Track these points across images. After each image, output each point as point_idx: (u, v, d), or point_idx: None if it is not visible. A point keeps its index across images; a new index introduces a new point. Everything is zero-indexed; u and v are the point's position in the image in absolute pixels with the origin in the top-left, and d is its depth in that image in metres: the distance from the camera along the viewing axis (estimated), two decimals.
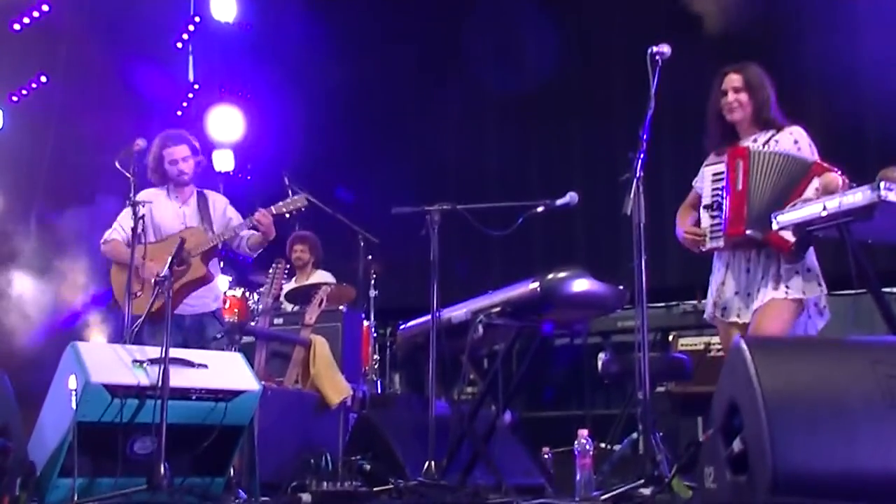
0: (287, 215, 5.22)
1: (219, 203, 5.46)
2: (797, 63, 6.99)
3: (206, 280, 5.20)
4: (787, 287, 4.07)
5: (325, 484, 4.16)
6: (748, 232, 4.12)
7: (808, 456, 2.81)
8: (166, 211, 5.34)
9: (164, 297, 4.13)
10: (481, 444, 4.52)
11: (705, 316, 4.37)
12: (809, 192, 4.03)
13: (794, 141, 4.22)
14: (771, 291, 4.08)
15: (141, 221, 4.55)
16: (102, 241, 5.36)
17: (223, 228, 5.30)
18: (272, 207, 5.16)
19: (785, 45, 7.13)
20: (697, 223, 4.36)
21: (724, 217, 4.19)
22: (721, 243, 4.22)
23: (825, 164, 4.11)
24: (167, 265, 4.22)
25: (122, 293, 5.10)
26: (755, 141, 4.28)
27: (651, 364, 3.90)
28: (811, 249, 4.15)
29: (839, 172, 4.07)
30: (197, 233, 5.22)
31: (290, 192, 6.44)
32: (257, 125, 9.15)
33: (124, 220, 5.24)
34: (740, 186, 4.15)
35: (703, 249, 4.28)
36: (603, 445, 5.53)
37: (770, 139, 4.26)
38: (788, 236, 4.02)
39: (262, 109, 9.19)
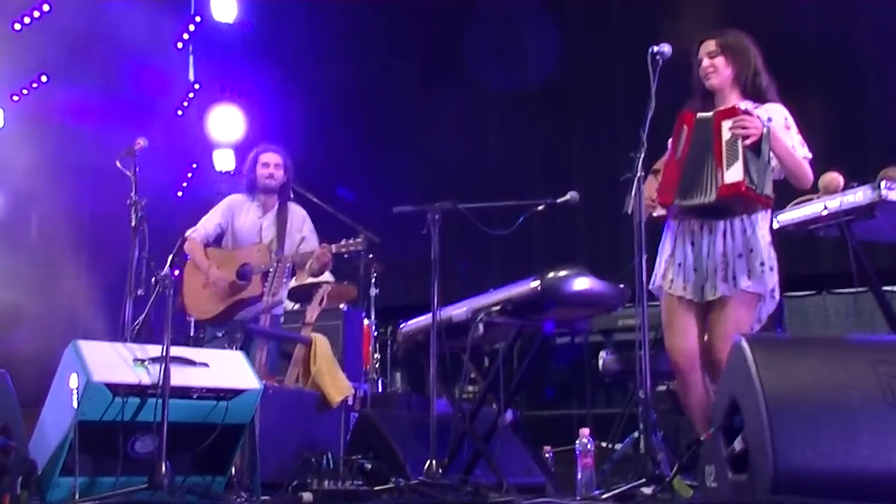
0: (345, 255, 5.26)
1: (296, 219, 5.51)
2: (798, 60, 6.98)
3: (259, 298, 5.27)
4: (734, 279, 3.90)
5: (325, 483, 4.16)
6: (676, 202, 3.97)
7: (809, 455, 2.81)
8: (246, 219, 5.50)
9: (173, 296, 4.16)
10: (482, 443, 4.52)
11: (650, 286, 4.08)
12: (725, 134, 3.82)
13: (769, 119, 3.94)
14: (721, 285, 3.92)
15: (144, 220, 4.55)
16: (185, 235, 5.47)
17: (291, 250, 5.39)
18: (333, 246, 5.21)
19: (785, 43, 7.12)
20: None
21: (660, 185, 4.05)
22: (662, 212, 4.09)
23: (729, 110, 3.92)
24: (168, 264, 4.26)
25: (191, 295, 5.35)
26: None
27: (652, 362, 3.89)
28: (767, 242, 3.97)
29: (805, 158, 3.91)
30: (263, 251, 5.33)
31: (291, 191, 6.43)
32: (258, 124, 9.15)
33: (208, 219, 5.49)
34: (679, 154, 3.97)
35: (654, 216, 4.12)
36: (604, 444, 5.54)
37: None
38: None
39: (263, 109, 9.18)
